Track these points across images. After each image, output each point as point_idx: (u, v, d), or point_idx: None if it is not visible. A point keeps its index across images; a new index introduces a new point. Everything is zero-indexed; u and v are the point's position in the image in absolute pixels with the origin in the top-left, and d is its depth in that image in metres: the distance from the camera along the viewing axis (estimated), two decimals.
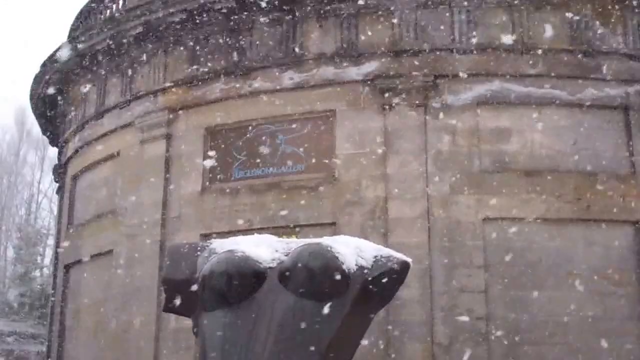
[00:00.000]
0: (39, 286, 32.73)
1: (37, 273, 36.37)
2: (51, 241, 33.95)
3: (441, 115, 11.74)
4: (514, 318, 10.93)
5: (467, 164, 11.56)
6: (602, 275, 11.13)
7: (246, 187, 12.45)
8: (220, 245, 3.39)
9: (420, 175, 11.56)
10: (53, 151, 27.99)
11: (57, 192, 18.18)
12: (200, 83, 13.23)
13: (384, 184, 11.66)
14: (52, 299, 16.42)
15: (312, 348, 2.90)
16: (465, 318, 10.90)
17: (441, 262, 11.15)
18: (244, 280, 3.10)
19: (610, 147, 11.74)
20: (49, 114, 17.60)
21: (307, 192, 11.93)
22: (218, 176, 12.84)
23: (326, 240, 3.30)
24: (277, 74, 12.54)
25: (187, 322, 11.88)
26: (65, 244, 15.65)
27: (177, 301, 3.31)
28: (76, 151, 15.98)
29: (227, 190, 12.55)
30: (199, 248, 3.43)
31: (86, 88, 15.39)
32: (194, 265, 3.30)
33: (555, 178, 11.45)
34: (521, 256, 11.15)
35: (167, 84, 13.56)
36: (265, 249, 3.31)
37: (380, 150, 11.78)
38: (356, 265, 3.17)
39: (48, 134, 18.89)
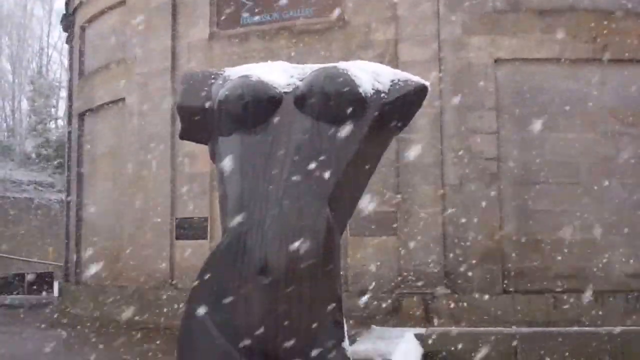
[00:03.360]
0: (54, 137, 33.11)
1: (52, 125, 36.70)
2: (64, 93, 34.00)
3: None
4: (525, 158, 11.03)
5: (479, 4, 11.28)
6: (615, 116, 11.10)
7: (255, 33, 12.27)
8: (234, 72, 3.35)
9: (431, 16, 11.31)
10: (59, 4, 27.39)
11: (67, 42, 18.02)
12: None
13: (394, 27, 11.44)
14: (68, 147, 16.67)
15: (331, 168, 2.94)
16: (476, 159, 11.02)
17: (452, 104, 11.12)
18: (259, 104, 3.09)
19: None
20: None
21: (316, 37, 11.75)
22: (226, 22, 12.63)
23: (342, 64, 3.25)
24: None
25: (201, 167, 12.03)
26: (78, 93, 15.71)
27: (193, 128, 3.32)
28: (82, 1, 15.70)
29: (236, 36, 12.38)
30: (212, 75, 3.39)
31: None
32: (209, 91, 3.28)
33: (571, 17, 11.17)
34: (534, 97, 11.09)
35: None
36: (280, 74, 3.27)
37: None
38: (373, 89, 3.13)
39: None
